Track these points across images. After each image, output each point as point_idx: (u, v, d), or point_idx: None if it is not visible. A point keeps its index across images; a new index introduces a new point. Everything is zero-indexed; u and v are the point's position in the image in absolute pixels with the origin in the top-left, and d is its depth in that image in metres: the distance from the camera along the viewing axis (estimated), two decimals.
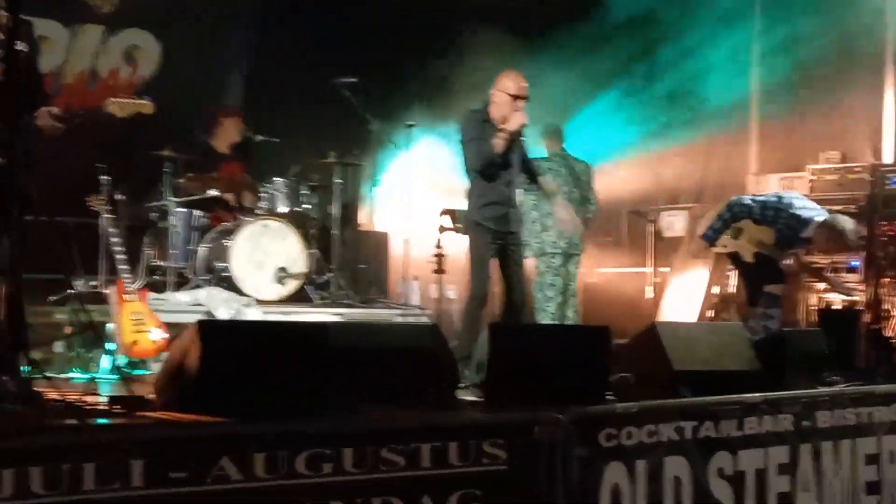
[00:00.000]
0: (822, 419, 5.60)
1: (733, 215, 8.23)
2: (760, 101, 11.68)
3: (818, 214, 8.08)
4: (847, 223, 8.03)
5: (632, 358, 5.84)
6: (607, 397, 5.45)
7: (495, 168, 7.39)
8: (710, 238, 8.28)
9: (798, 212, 8.10)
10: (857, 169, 10.01)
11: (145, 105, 5.84)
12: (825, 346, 6.55)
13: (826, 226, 7.97)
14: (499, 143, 7.27)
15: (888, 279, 9.56)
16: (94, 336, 6.69)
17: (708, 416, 5.15)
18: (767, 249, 8.26)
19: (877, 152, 10.53)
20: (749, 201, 8.26)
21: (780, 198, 8.28)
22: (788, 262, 8.33)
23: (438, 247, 8.80)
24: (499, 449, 4.38)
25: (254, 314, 8.14)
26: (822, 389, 5.98)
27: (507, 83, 7.34)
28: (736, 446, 5.24)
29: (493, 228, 7.38)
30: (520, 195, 8.96)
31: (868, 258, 9.69)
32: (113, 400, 4.65)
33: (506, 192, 7.44)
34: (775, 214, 8.16)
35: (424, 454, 4.19)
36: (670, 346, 5.72)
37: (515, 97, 7.30)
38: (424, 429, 4.27)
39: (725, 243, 8.39)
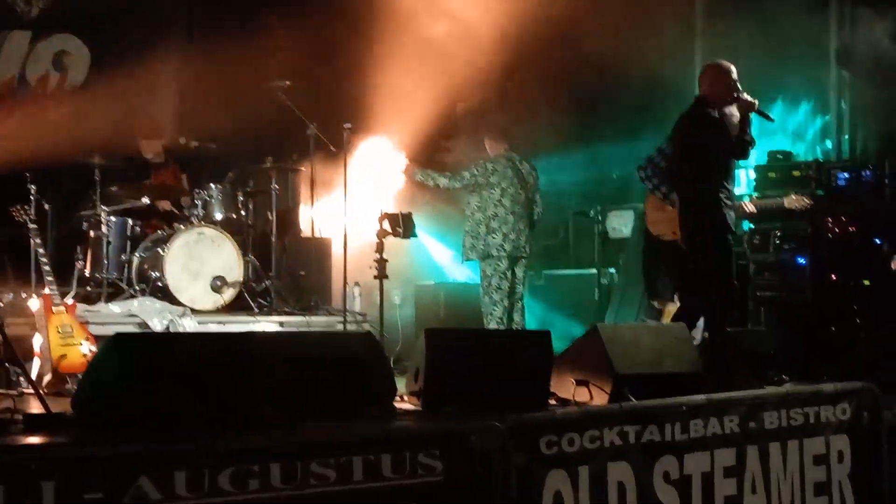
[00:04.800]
0: (769, 420, 5.49)
1: (649, 163, 8.32)
2: None
3: None
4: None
5: (574, 361, 5.71)
6: (550, 403, 5.33)
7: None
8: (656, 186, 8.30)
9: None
10: (802, 166, 9.92)
11: None
12: (772, 345, 6.45)
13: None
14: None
15: (834, 277, 9.49)
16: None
17: (652, 420, 5.04)
18: None
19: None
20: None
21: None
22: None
23: (379, 252, 8.61)
24: (434, 460, 4.24)
25: (189, 324, 7.93)
26: (767, 390, 5.88)
27: (731, 69, 7.33)
28: (681, 450, 5.12)
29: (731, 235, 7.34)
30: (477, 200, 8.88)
31: (814, 256, 9.62)
32: (29, 417, 4.44)
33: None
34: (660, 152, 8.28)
35: (357, 467, 4.05)
36: (612, 349, 5.60)
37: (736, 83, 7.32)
38: (356, 441, 4.12)
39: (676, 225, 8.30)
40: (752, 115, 7.20)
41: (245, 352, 4.41)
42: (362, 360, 4.93)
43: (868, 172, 9.53)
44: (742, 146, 7.18)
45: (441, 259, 11.53)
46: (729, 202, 7.19)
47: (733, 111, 7.25)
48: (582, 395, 5.56)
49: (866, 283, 9.24)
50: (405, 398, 5.34)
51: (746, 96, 7.19)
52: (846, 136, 10.53)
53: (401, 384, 5.39)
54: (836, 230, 9.60)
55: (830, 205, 9.64)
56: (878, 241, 9.34)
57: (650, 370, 5.66)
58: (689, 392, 5.39)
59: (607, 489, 4.86)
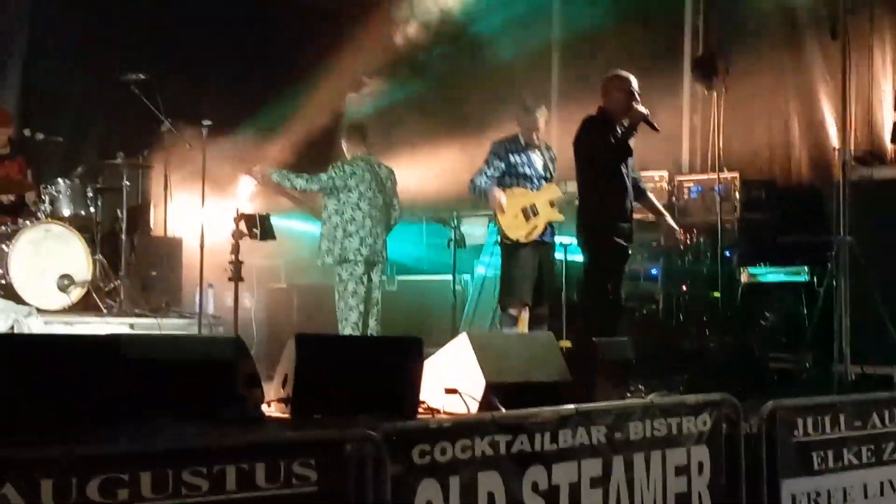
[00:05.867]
0: (634, 431, 5.51)
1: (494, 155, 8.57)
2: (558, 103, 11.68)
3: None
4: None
5: (443, 369, 5.66)
6: (420, 412, 5.27)
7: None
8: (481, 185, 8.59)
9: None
10: (655, 178, 10.09)
11: None
12: (631, 355, 6.52)
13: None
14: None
15: (686, 287, 9.68)
16: None
17: (522, 430, 5.00)
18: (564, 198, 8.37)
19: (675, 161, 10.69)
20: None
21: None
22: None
23: (234, 253, 8.42)
24: (308, 469, 4.12)
25: (35, 324, 7.64)
26: (633, 401, 5.92)
27: (630, 80, 7.56)
28: (550, 460, 5.10)
29: (622, 245, 7.59)
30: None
31: (666, 268, 9.80)
32: None
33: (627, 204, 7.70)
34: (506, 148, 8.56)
35: (230, 476, 3.89)
36: (482, 358, 5.56)
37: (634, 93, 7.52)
38: (229, 449, 3.97)
39: (531, 228, 8.33)
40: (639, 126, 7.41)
41: (112, 355, 4.23)
42: (231, 366, 4.79)
43: (719, 186, 9.74)
44: (619, 153, 7.33)
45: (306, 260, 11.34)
46: (618, 210, 7.32)
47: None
48: (450, 403, 5.52)
49: (716, 294, 9.45)
50: (271, 405, 5.21)
51: (639, 107, 7.40)
52: (700, 150, 10.75)
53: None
54: (688, 242, 9.80)
55: (682, 217, 9.84)
56: (728, 253, 9.56)
57: (519, 379, 5.64)
58: (557, 401, 5.39)
59: (477, 499, 4.80)
